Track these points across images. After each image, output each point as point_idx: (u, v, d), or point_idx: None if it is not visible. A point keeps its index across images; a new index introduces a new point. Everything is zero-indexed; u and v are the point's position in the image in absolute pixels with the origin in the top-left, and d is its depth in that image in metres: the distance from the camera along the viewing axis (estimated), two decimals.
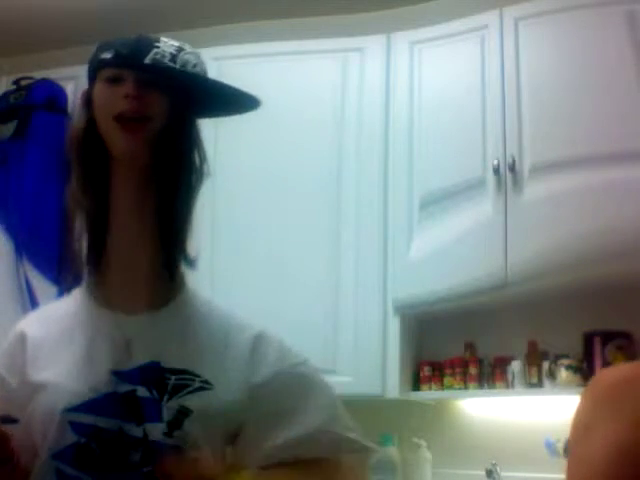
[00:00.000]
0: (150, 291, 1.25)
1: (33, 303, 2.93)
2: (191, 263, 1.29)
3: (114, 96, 1.23)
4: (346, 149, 2.97)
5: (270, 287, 2.85)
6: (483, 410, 3.01)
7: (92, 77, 1.29)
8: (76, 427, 1.15)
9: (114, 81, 1.24)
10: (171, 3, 3.20)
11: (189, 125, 1.30)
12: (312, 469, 1.22)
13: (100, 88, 1.26)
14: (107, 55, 1.26)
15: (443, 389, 2.94)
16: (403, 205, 2.87)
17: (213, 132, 2.48)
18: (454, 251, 2.72)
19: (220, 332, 1.27)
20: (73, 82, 3.33)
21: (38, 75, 3.29)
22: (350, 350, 2.81)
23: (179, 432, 1.16)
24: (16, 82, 3.30)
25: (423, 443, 2.96)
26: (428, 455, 2.96)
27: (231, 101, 1.31)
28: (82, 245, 1.28)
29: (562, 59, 2.67)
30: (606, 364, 2.68)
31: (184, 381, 1.19)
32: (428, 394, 2.95)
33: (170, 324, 1.25)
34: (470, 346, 2.99)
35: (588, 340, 2.77)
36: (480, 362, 2.91)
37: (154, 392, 1.17)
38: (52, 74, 3.31)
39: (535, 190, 2.62)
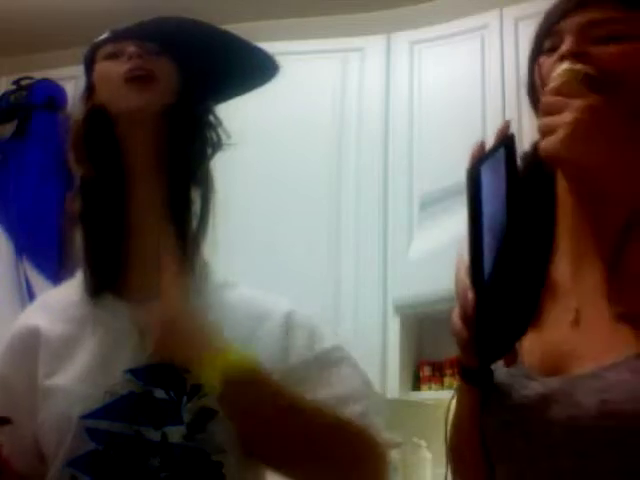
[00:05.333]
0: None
1: None
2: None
3: (117, 64, 1.19)
4: (346, 149, 2.97)
5: (269, 287, 2.85)
6: None
7: (90, 65, 1.25)
8: (93, 434, 1.09)
9: (115, 56, 1.21)
10: (170, 4, 3.20)
11: (201, 96, 1.25)
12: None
13: (101, 66, 1.22)
14: (103, 36, 1.24)
15: (443, 389, 2.94)
16: (403, 205, 2.87)
17: None
18: (454, 251, 2.71)
19: (244, 322, 1.19)
20: (73, 82, 3.32)
21: (38, 75, 3.29)
22: (350, 350, 2.81)
23: (202, 435, 1.09)
24: (16, 82, 3.30)
25: (423, 443, 2.96)
26: (428, 455, 2.96)
27: (245, 65, 1.28)
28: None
29: None
30: None
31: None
32: (428, 394, 2.95)
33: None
34: None
35: None
36: None
37: (172, 393, 1.10)
38: (52, 74, 3.31)
39: None
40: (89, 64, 1.26)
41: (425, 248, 2.80)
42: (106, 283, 1.18)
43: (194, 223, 1.20)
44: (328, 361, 1.23)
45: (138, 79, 1.17)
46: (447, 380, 2.93)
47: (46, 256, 3.08)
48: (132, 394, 1.10)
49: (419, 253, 2.81)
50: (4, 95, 3.32)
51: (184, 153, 1.20)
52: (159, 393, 1.11)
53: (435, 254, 2.78)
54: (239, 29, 3.42)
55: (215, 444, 1.10)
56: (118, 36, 1.22)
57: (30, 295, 2.92)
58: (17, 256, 2.92)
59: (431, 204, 2.80)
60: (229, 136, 1.26)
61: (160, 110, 1.19)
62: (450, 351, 3.08)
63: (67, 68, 3.34)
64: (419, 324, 3.04)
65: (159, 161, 1.20)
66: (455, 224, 2.74)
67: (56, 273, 3.11)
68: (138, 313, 1.15)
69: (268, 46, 3.37)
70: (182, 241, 1.18)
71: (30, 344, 1.18)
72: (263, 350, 1.16)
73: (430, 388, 2.94)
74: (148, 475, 1.08)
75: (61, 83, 3.29)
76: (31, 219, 3.05)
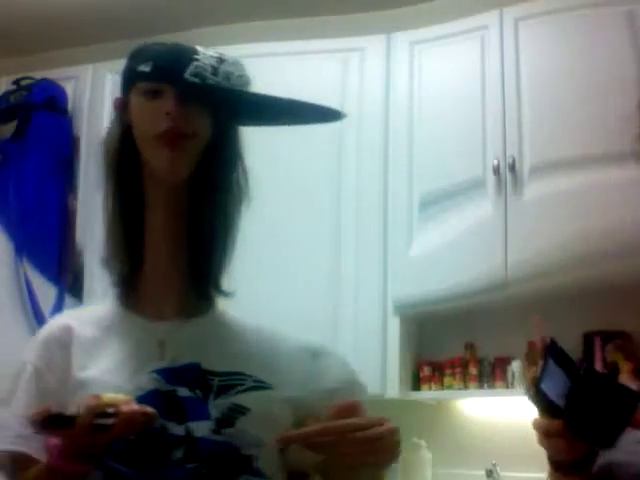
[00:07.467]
0: (181, 302, 1.25)
1: (33, 303, 2.93)
2: (223, 293, 1.29)
3: (154, 113, 1.19)
4: (346, 149, 2.97)
5: (270, 287, 2.85)
6: (483, 410, 3.01)
7: (127, 87, 1.24)
8: None
9: (152, 94, 1.20)
10: (171, 4, 3.20)
11: (233, 141, 1.28)
12: None
13: (138, 102, 1.22)
14: (144, 68, 1.21)
15: (443, 389, 2.94)
16: (403, 205, 2.87)
17: None
18: (454, 251, 2.72)
19: (267, 339, 1.28)
20: (73, 82, 3.33)
21: (38, 75, 3.29)
22: (350, 350, 2.81)
23: (230, 430, 1.15)
24: (16, 82, 3.30)
25: (423, 443, 2.96)
26: (428, 455, 2.96)
27: (290, 113, 1.32)
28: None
29: (562, 59, 2.67)
30: (606, 364, 2.68)
31: (232, 381, 1.18)
32: (428, 394, 2.95)
33: (203, 331, 1.24)
34: (470, 346, 2.99)
35: (588, 340, 2.77)
36: (480, 362, 2.91)
37: (197, 392, 1.16)
38: (52, 74, 3.31)
39: (535, 190, 2.62)
40: (127, 87, 1.25)
41: (425, 248, 2.80)
42: (127, 301, 1.26)
43: (213, 256, 1.27)
44: (355, 388, 1.29)
45: (174, 138, 1.19)
46: (447, 380, 2.94)
47: (46, 256, 3.08)
48: (156, 391, 1.15)
49: (419, 253, 2.81)
50: (4, 95, 3.32)
51: (207, 201, 1.25)
52: (183, 391, 1.16)
53: (435, 254, 2.78)
54: (239, 29, 3.44)
55: (246, 439, 1.16)
56: (160, 78, 1.20)
57: (30, 295, 2.92)
58: (17, 256, 2.92)
59: (431, 204, 2.80)
60: (250, 187, 1.30)
61: (188, 167, 1.22)
62: (450, 351, 3.09)
63: (67, 68, 3.35)
64: (419, 324, 3.04)
65: (182, 188, 1.24)
66: (455, 224, 2.74)
67: (56, 273, 3.11)
68: (156, 328, 1.22)
69: (268, 46, 3.38)
70: (194, 272, 1.25)
71: (63, 339, 1.22)
72: (291, 364, 1.24)
73: (430, 388, 2.95)
74: (173, 466, 1.12)
75: (61, 83, 3.29)
76: (31, 219, 3.06)
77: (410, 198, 2.86)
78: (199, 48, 1.23)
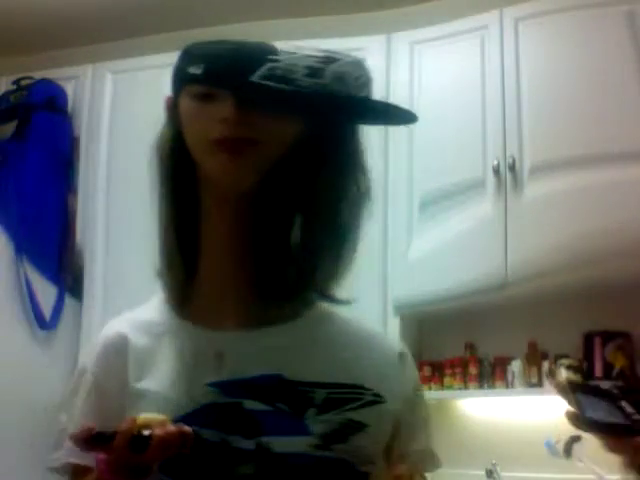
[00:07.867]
0: (244, 311, 1.15)
1: (33, 303, 2.93)
2: (332, 299, 1.24)
3: (208, 118, 1.06)
4: None
5: None
6: (483, 410, 3.01)
7: (177, 88, 1.13)
8: None
9: (205, 98, 1.07)
10: (171, 4, 3.21)
11: (339, 143, 1.14)
12: None
13: (189, 105, 1.10)
14: (195, 70, 1.08)
15: (443, 389, 2.94)
16: (403, 205, 2.87)
17: None
18: (454, 251, 2.72)
19: (369, 341, 1.28)
20: (73, 82, 3.33)
21: (38, 75, 3.30)
22: None
23: (342, 446, 1.08)
24: (16, 82, 3.30)
25: None
26: None
27: (381, 113, 1.19)
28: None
29: (562, 59, 2.67)
30: (606, 364, 2.69)
31: (347, 394, 1.12)
32: (428, 394, 2.95)
33: (282, 340, 1.15)
34: (470, 346, 2.99)
35: (588, 340, 2.77)
36: (480, 362, 2.91)
37: (280, 405, 1.09)
38: (52, 74, 3.31)
39: (535, 190, 2.62)
40: (177, 88, 1.13)
41: (425, 248, 2.80)
42: (180, 309, 1.18)
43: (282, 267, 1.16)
44: (422, 388, 1.31)
45: (232, 142, 1.06)
46: (447, 380, 2.94)
47: (46, 256, 3.08)
48: (215, 404, 1.09)
49: (419, 253, 2.81)
50: (4, 95, 3.32)
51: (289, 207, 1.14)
52: (253, 404, 1.09)
53: (435, 254, 2.78)
54: (239, 29, 3.44)
55: (362, 456, 1.10)
56: (213, 82, 1.07)
57: (30, 295, 2.92)
58: (17, 256, 2.92)
59: (431, 204, 2.81)
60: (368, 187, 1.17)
61: (253, 176, 1.10)
62: (450, 351, 3.09)
63: (67, 68, 3.35)
64: (419, 324, 3.04)
65: (245, 197, 1.12)
66: (455, 224, 2.74)
67: (56, 273, 3.11)
68: (213, 338, 1.15)
69: None
70: (272, 282, 1.16)
71: (120, 349, 1.17)
72: (388, 374, 1.20)
73: (430, 388, 2.94)
74: None
75: (61, 83, 3.29)
76: (31, 219, 3.05)
77: (410, 198, 2.86)
78: (282, 49, 1.07)
